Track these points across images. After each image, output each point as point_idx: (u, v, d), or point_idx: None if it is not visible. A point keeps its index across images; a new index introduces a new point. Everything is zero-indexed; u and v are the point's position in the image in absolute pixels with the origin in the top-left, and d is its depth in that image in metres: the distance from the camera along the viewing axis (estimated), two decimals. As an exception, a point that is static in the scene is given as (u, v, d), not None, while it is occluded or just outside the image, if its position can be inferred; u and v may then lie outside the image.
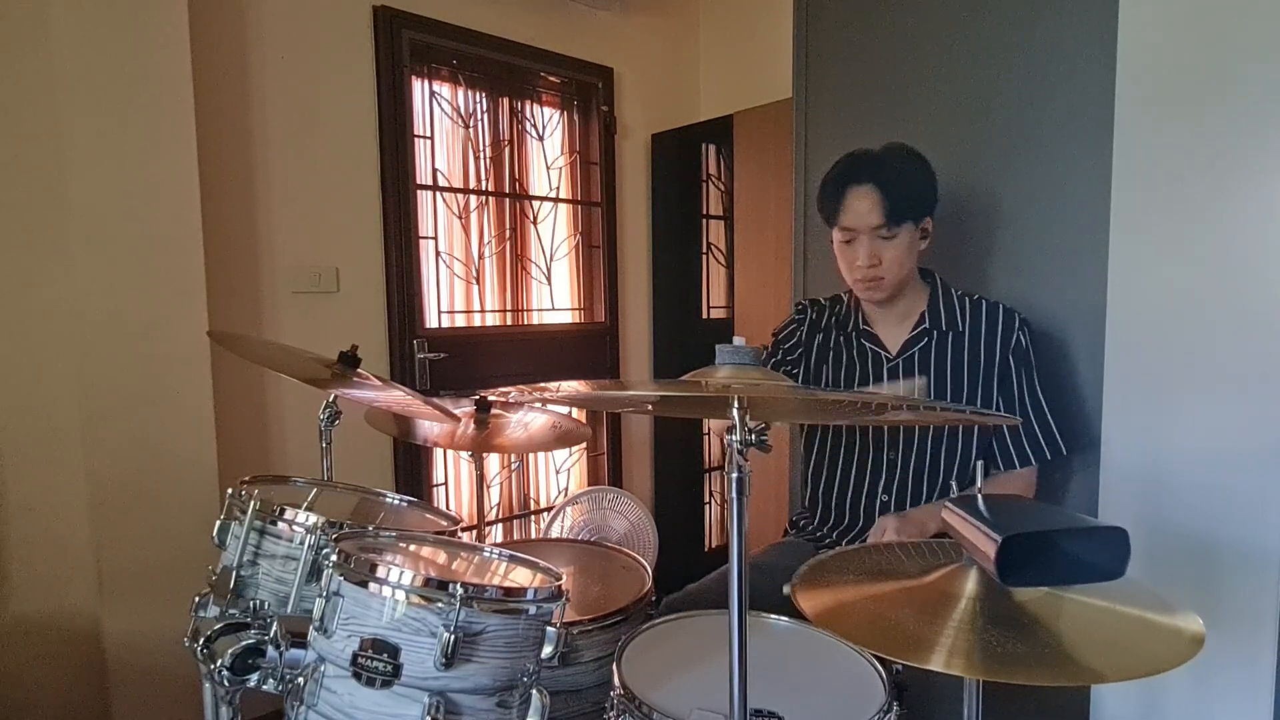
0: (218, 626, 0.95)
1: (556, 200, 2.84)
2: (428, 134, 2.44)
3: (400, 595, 0.85)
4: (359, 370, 1.30)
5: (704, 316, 3.08)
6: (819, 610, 0.78)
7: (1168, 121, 1.19)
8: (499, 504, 2.77)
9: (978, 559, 0.76)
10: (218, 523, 1.13)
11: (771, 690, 0.95)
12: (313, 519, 1.08)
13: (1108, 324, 1.27)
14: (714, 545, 3.22)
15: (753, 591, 0.81)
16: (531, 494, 2.88)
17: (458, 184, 2.54)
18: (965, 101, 1.64)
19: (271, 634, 0.91)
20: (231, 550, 1.10)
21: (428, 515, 1.41)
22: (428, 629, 0.84)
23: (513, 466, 2.79)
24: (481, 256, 2.63)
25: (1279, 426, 1.10)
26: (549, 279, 2.84)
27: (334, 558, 0.90)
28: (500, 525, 2.78)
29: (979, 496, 0.80)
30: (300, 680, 0.89)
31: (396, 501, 1.43)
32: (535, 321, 2.79)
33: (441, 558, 1.09)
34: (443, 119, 2.49)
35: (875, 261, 1.36)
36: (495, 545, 1.19)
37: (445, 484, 2.59)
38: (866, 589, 0.83)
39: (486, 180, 2.62)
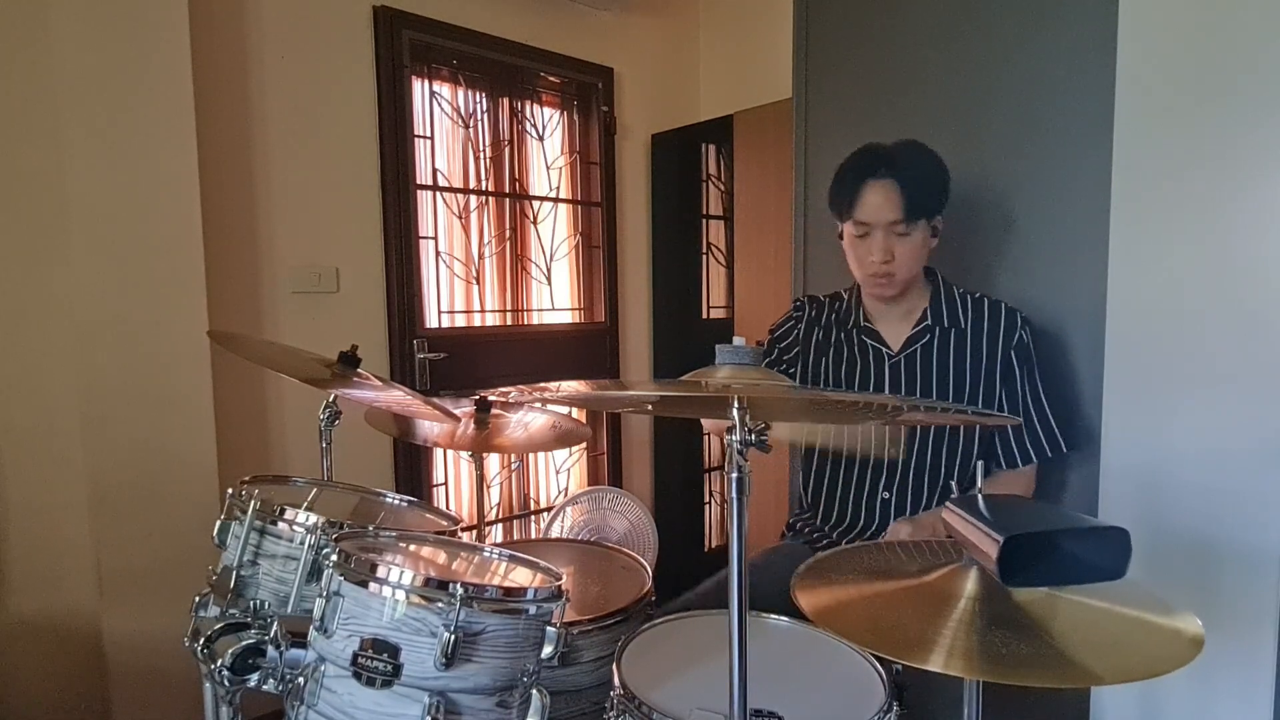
0: (218, 626, 0.94)
1: (556, 200, 2.84)
2: (428, 134, 2.44)
3: (400, 595, 0.85)
4: (359, 370, 1.30)
5: (704, 316, 3.08)
6: (819, 609, 0.78)
7: (1168, 120, 1.19)
8: (499, 504, 2.77)
9: (979, 559, 0.76)
10: (218, 523, 1.13)
11: (771, 690, 0.94)
12: (313, 519, 1.08)
13: (1108, 323, 1.27)
14: (714, 545, 3.22)
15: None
16: (531, 494, 2.88)
17: (458, 184, 2.54)
18: (965, 101, 1.64)
19: (271, 634, 0.91)
20: (232, 550, 1.10)
21: (428, 515, 1.41)
22: (428, 629, 0.84)
23: (513, 466, 2.79)
24: (481, 256, 2.63)
25: (1279, 426, 1.10)
26: (549, 279, 2.84)
27: (334, 558, 0.90)
28: (500, 525, 2.78)
29: (979, 496, 0.80)
30: (300, 680, 0.89)
31: (396, 501, 1.43)
32: (535, 321, 2.79)
33: (441, 558, 1.09)
34: (443, 119, 2.49)
35: (889, 257, 1.35)
36: (495, 545, 1.19)
37: (445, 484, 2.59)
38: (866, 588, 0.83)
39: (486, 180, 2.62)
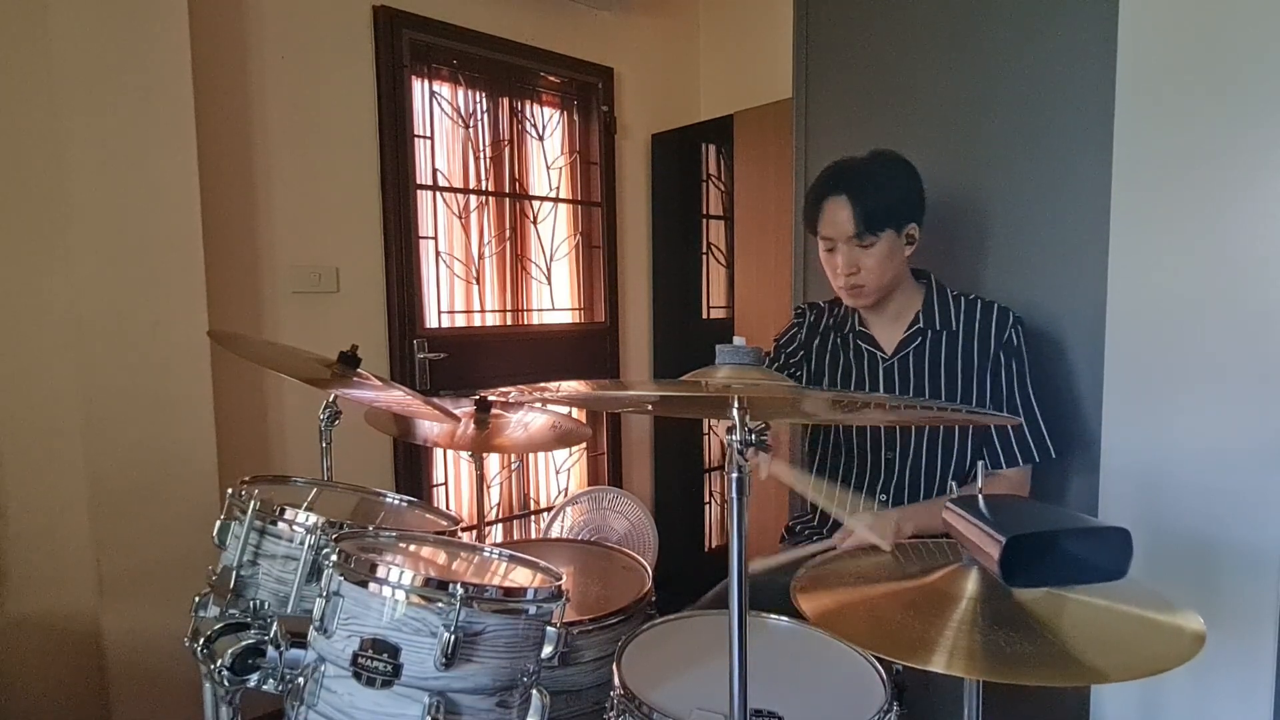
0: (218, 626, 0.94)
1: (556, 200, 2.84)
2: (428, 134, 2.44)
3: (400, 595, 0.85)
4: (359, 370, 1.30)
5: (704, 316, 3.08)
6: (819, 611, 0.78)
7: (1168, 121, 1.19)
8: (499, 504, 2.77)
9: (980, 560, 0.76)
10: (218, 523, 1.13)
11: (771, 690, 0.94)
12: (313, 519, 1.08)
13: (1108, 324, 1.27)
14: (714, 545, 3.22)
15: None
16: (531, 494, 2.88)
17: (458, 184, 2.54)
18: (965, 102, 1.64)
19: (271, 634, 0.91)
20: (231, 550, 1.10)
21: (428, 515, 1.41)
22: (428, 629, 0.84)
23: (513, 466, 2.79)
24: (481, 256, 2.63)
25: (1279, 426, 1.10)
26: (549, 279, 2.84)
27: (334, 558, 0.90)
28: (500, 525, 2.78)
29: (980, 497, 0.80)
30: (300, 680, 0.89)
31: (396, 501, 1.43)
32: (535, 321, 2.79)
33: (441, 558, 1.09)
34: (443, 119, 2.49)
35: (854, 269, 1.37)
36: (495, 545, 1.19)
37: (445, 484, 2.59)
38: (867, 590, 0.83)
39: (486, 180, 2.62)
